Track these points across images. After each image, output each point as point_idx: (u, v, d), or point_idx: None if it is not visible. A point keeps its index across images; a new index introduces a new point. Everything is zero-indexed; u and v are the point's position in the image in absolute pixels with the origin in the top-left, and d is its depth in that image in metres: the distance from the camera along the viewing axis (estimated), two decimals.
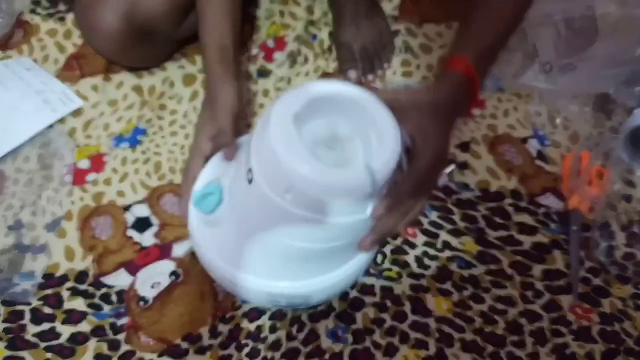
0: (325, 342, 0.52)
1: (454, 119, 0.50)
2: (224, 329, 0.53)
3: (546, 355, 0.52)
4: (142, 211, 0.61)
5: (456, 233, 0.59)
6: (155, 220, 0.60)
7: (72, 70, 0.71)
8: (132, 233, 0.59)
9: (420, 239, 0.58)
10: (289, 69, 0.73)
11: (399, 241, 0.58)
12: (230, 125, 0.55)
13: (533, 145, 0.67)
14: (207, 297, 0.55)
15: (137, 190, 0.62)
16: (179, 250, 0.58)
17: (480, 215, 0.61)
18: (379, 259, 0.57)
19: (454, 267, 0.57)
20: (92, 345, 0.52)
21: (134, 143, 0.66)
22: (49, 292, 0.55)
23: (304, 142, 0.40)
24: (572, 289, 0.56)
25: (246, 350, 0.52)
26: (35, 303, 0.54)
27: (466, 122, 0.69)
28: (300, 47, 0.74)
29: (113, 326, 0.53)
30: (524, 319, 0.54)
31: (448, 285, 0.56)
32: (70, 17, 0.75)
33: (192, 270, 0.56)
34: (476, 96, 0.50)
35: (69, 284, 0.55)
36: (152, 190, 0.63)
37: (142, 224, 0.60)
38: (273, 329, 0.53)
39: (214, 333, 0.53)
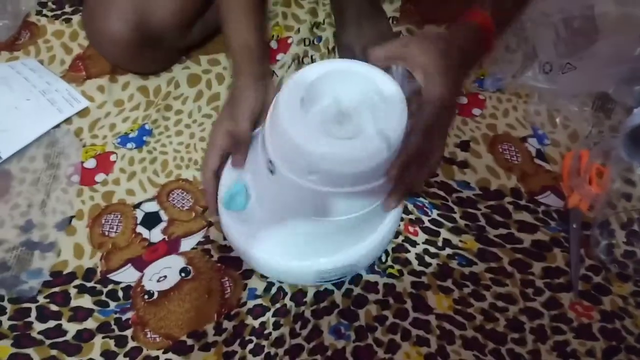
0: (328, 339, 0.52)
1: (466, 66, 0.49)
2: (228, 325, 0.54)
3: (547, 352, 0.52)
4: (152, 207, 0.62)
5: (457, 231, 0.60)
6: (164, 216, 0.61)
7: (78, 71, 0.72)
8: (140, 229, 0.60)
9: (421, 237, 0.59)
10: (292, 71, 0.73)
11: (399, 239, 0.58)
12: (248, 126, 0.55)
13: (532, 144, 0.68)
14: (214, 293, 0.55)
15: (146, 188, 0.63)
16: (187, 245, 0.59)
17: (480, 213, 0.61)
18: (382, 256, 0.58)
19: (454, 264, 0.58)
20: (98, 342, 0.52)
21: (140, 143, 0.67)
22: (56, 289, 0.55)
23: (314, 123, 0.42)
24: (572, 286, 0.56)
25: (250, 346, 0.52)
26: (42, 300, 0.54)
27: (466, 121, 0.69)
28: (306, 49, 0.74)
29: (118, 321, 0.54)
30: (524, 316, 0.54)
31: (449, 283, 0.56)
32: (76, 18, 0.76)
33: (202, 266, 0.57)
34: (490, 45, 0.50)
35: (77, 282, 0.56)
36: (161, 187, 0.63)
37: (151, 220, 0.61)
38: (276, 326, 0.53)
39: (218, 329, 0.53)
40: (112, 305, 0.55)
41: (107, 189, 0.63)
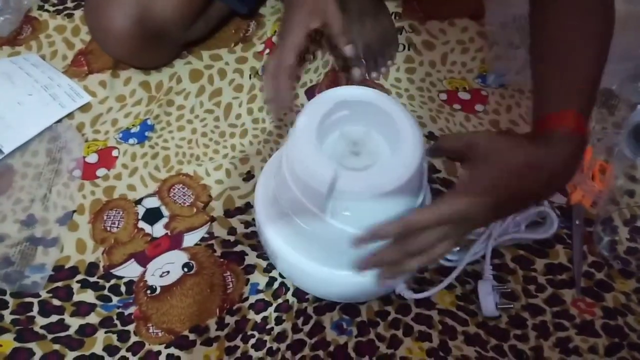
0: (330, 334, 0.53)
1: (553, 187, 0.42)
2: (230, 320, 0.54)
3: (549, 348, 0.52)
4: (153, 203, 0.62)
5: None
6: (165, 212, 0.61)
7: (80, 66, 0.72)
8: (142, 225, 0.60)
9: None
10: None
11: None
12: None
13: None
14: (216, 288, 0.55)
15: (147, 184, 0.63)
16: (190, 240, 0.59)
17: None
18: None
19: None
20: (101, 336, 0.52)
21: (142, 139, 0.67)
22: (58, 284, 0.55)
23: (331, 161, 0.42)
24: (575, 283, 0.56)
25: (252, 341, 0.52)
26: (44, 295, 0.54)
27: (469, 117, 0.69)
28: (308, 45, 0.74)
29: (120, 316, 0.54)
30: (526, 313, 0.54)
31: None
32: (78, 13, 0.76)
33: (204, 261, 0.57)
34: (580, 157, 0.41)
35: (79, 277, 0.56)
36: (162, 182, 0.63)
37: (152, 216, 0.61)
38: (279, 321, 0.53)
39: (220, 324, 0.54)
40: (115, 300, 0.55)
41: (108, 184, 0.63)
